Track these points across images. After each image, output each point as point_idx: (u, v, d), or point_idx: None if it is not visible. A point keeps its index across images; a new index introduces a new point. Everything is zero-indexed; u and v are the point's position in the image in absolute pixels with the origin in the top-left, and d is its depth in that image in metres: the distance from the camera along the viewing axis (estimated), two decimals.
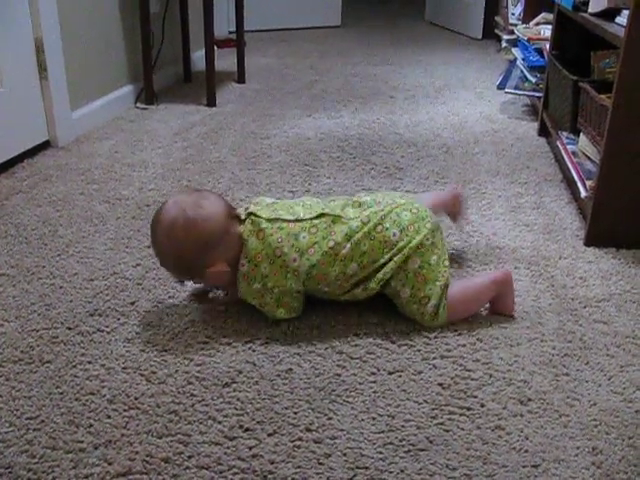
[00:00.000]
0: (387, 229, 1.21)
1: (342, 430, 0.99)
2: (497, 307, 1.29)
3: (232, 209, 1.25)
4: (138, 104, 2.70)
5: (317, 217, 1.22)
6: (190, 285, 1.35)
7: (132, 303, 1.31)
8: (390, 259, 1.20)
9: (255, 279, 1.20)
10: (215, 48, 2.91)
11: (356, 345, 1.19)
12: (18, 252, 1.49)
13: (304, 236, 1.20)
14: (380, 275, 1.21)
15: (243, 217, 1.23)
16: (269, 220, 1.21)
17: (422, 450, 0.96)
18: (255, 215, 1.22)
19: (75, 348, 1.17)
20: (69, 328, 1.22)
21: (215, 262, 1.20)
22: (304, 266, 1.19)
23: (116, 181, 1.91)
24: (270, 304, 1.22)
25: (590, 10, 1.79)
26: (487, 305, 1.30)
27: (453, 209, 1.50)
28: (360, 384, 1.09)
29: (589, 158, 1.73)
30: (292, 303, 1.23)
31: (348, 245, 1.19)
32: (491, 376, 1.11)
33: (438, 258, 1.23)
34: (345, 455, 0.95)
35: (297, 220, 1.22)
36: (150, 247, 1.51)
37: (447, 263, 1.25)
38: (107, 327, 1.23)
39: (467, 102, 2.85)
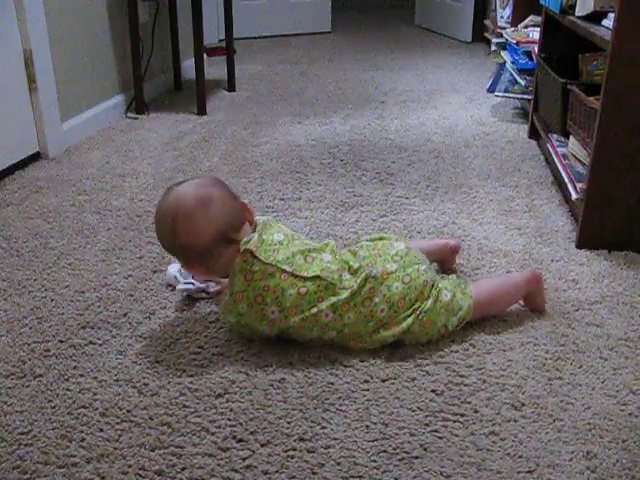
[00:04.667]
0: (376, 304, 1.17)
1: (336, 439, 0.99)
2: (527, 304, 1.33)
3: (234, 227, 1.18)
4: (128, 114, 2.69)
5: (312, 279, 1.16)
6: (181, 293, 1.35)
7: (124, 315, 1.30)
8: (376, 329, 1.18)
9: (231, 312, 1.18)
10: (205, 56, 2.91)
11: (349, 353, 1.18)
12: (9, 265, 1.48)
13: (291, 293, 1.14)
14: (381, 338, 1.19)
15: (241, 246, 1.16)
16: (264, 263, 1.15)
17: (416, 458, 0.95)
18: (252, 254, 1.15)
19: (67, 361, 1.16)
20: (61, 341, 1.22)
21: (193, 265, 1.20)
22: (281, 322, 1.16)
23: (107, 192, 1.91)
24: (245, 333, 1.22)
25: (577, 13, 1.80)
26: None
27: (444, 257, 1.47)
28: (353, 392, 1.09)
29: (579, 160, 1.73)
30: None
31: (331, 314, 1.16)
32: (484, 381, 1.11)
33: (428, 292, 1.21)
34: (339, 464, 0.94)
35: (292, 274, 1.15)
36: (141, 258, 1.52)
37: (425, 269, 1.22)
38: (99, 339, 1.22)
39: (457, 106, 2.86)
